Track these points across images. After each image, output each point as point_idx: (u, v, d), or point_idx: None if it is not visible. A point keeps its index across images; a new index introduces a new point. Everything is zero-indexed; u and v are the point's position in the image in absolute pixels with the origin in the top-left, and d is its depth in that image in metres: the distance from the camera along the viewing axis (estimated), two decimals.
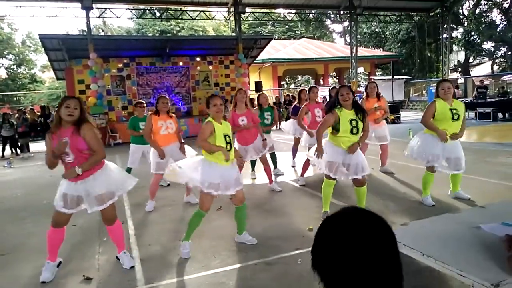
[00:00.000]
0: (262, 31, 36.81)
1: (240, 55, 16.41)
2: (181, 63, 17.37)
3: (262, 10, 22.05)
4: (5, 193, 6.94)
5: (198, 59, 17.61)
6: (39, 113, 15.63)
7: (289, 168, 7.37)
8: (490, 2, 27.79)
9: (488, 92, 16.94)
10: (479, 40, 28.54)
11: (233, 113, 5.41)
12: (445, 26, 21.62)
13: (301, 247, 3.56)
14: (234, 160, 3.68)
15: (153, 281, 3.14)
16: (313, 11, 23.00)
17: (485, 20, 27.54)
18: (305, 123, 6.16)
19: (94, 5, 15.12)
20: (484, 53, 30.80)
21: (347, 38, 28.44)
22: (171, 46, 16.00)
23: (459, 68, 31.38)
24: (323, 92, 17.86)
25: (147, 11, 19.04)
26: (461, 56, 31.54)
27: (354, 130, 3.97)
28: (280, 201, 5.30)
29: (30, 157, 12.25)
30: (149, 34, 32.10)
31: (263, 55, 21.17)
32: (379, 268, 0.84)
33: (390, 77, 21.95)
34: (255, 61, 20.41)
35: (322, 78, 27.98)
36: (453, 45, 28.34)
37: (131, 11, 18.25)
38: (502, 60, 30.63)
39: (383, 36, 33.55)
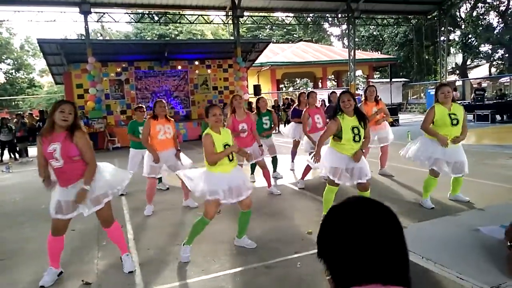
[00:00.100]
0: (260, 35, 36.95)
1: (239, 59, 16.45)
2: (179, 67, 17.41)
3: (260, 14, 22.14)
4: (3, 198, 6.93)
5: (196, 62, 17.65)
6: (37, 118, 15.63)
7: (288, 171, 7.37)
8: (487, 4, 27.96)
9: (486, 94, 17.00)
10: (476, 43, 28.69)
11: (234, 119, 5.42)
12: (443, 28, 21.71)
13: (300, 250, 3.56)
14: (238, 166, 3.68)
15: (153, 285, 3.13)
16: (311, 15, 23.11)
17: (482, 22, 27.72)
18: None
19: (92, 10, 15.17)
20: (481, 55, 30.96)
21: (345, 41, 28.52)
22: (170, 50, 16.04)
23: (457, 71, 31.51)
24: (322, 96, 17.90)
25: (145, 15, 19.10)
26: (459, 58, 31.68)
27: (357, 138, 3.96)
28: (280, 204, 5.30)
29: (28, 162, 12.22)
30: (148, 38, 32.19)
31: (261, 59, 21.23)
32: (385, 254, 0.84)
33: (388, 79, 22.04)
34: (253, 65, 20.47)
35: (320, 81, 28.08)
36: (451, 47, 28.45)
37: (129, 15, 18.33)
38: (499, 62, 30.78)
39: (381, 39, 33.68)
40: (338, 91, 5.42)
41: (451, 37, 28.43)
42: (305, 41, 33.55)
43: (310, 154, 5.70)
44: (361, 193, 4.21)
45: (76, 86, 15.47)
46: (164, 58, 16.28)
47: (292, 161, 7.53)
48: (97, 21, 18.07)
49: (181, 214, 5.15)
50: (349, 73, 20.88)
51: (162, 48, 15.93)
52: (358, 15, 19.53)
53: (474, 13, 28.21)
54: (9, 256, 3.97)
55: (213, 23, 21.83)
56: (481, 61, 32.53)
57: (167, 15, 19.06)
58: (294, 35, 38.79)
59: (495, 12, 28.06)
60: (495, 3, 27.62)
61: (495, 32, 27.62)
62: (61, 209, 3.08)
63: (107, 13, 17.13)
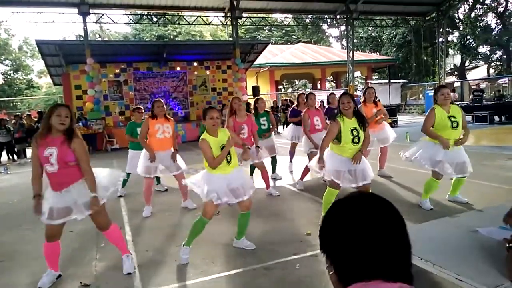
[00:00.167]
0: (259, 36, 36.98)
1: (237, 60, 16.45)
2: (178, 68, 17.39)
3: (259, 15, 22.14)
4: (1, 199, 6.90)
5: (195, 64, 17.64)
6: (36, 119, 15.58)
7: (286, 173, 7.37)
8: (485, 6, 28.03)
9: (484, 95, 17.03)
10: (474, 44, 28.75)
11: (235, 121, 5.42)
12: (441, 30, 21.76)
13: (299, 252, 3.56)
14: (239, 167, 3.68)
15: (151, 287, 3.12)
16: (309, 16, 23.11)
17: (481, 24, 27.77)
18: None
19: (91, 11, 15.14)
20: (480, 56, 31.02)
21: (344, 42, 28.61)
22: (168, 51, 16.03)
23: (455, 72, 31.56)
24: (321, 97, 17.91)
25: (144, 16, 19.07)
26: (457, 59, 31.72)
27: (356, 140, 3.96)
28: (278, 205, 5.29)
29: (26, 163, 12.17)
30: (146, 39, 32.15)
31: (260, 60, 21.23)
32: (388, 250, 0.84)
33: (387, 81, 22.06)
34: (252, 66, 20.46)
35: (319, 82, 28.11)
36: (449, 49, 28.48)
37: (128, 17, 18.27)
38: (497, 63, 30.84)
39: (379, 40, 33.74)
40: (337, 92, 5.42)
41: (449, 39, 28.48)
42: (303, 42, 33.58)
43: (309, 156, 5.72)
44: None
45: (74, 87, 15.44)
46: (162, 59, 16.27)
47: (290, 161, 7.53)
48: (96, 22, 18.03)
49: (180, 216, 5.14)
50: (347, 74, 20.91)
51: (160, 49, 15.92)
52: (356, 16, 19.56)
53: (472, 15, 28.27)
54: (7, 258, 3.96)
55: (212, 24, 21.86)
56: (479, 62, 32.60)
57: (166, 16, 19.04)
58: (293, 36, 38.83)
59: (493, 14, 28.13)
60: (493, 5, 27.68)
61: (493, 34, 27.68)
62: (52, 215, 3.03)
63: (105, 14, 17.11)
